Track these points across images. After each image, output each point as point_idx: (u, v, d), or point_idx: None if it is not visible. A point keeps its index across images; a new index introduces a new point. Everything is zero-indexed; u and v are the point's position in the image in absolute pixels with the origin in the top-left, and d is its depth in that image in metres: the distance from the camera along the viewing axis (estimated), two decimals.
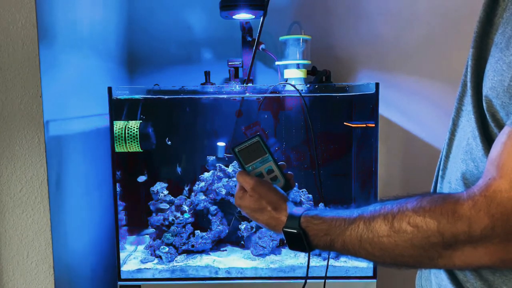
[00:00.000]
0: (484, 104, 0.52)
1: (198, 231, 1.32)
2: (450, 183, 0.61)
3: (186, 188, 1.39)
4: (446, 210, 0.49)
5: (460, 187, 0.58)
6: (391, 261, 0.55)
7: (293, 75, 1.30)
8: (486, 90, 0.52)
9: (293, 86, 1.20)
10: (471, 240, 0.48)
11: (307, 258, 1.29)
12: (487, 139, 0.53)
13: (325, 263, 1.26)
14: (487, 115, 0.52)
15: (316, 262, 1.27)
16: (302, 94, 1.23)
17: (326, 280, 1.17)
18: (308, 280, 1.21)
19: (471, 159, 0.55)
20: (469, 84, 0.55)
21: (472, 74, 0.54)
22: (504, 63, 0.49)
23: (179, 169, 1.43)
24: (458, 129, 0.61)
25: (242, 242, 1.37)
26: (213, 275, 1.24)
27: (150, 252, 1.31)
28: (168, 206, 1.32)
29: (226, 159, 1.41)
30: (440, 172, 0.65)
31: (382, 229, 0.54)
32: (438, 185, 0.66)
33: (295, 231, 0.65)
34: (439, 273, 0.61)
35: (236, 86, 1.25)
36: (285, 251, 1.35)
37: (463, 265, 0.51)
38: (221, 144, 1.41)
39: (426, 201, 0.51)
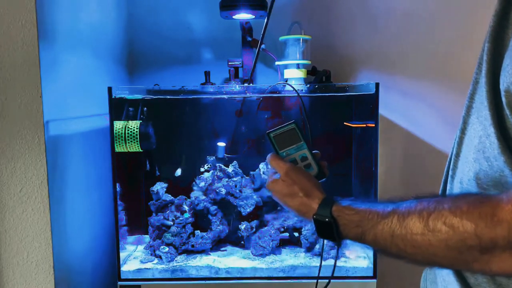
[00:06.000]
0: (504, 99, 0.50)
1: (198, 231, 1.32)
2: (462, 184, 0.59)
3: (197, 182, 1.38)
4: (485, 213, 0.47)
5: (473, 188, 0.56)
6: (424, 260, 0.53)
7: (293, 75, 1.30)
8: (506, 85, 0.49)
9: (291, 86, 1.20)
10: (510, 246, 0.46)
11: (307, 258, 1.29)
12: (504, 136, 0.51)
13: (325, 262, 1.26)
14: (507, 110, 0.50)
15: (316, 262, 1.27)
16: (303, 94, 1.23)
17: (327, 280, 1.17)
18: (307, 280, 1.22)
19: (484, 158, 0.54)
20: (484, 80, 0.53)
21: (488, 70, 0.53)
22: None
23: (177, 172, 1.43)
24: (468, 127, 0.59)
25: (242, 242, 1.37)
26: (213, 275, 1.24)
27: (150, 252, 1.31)
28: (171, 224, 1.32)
29: (226, 159, 1.41)
30: (450, 172, 0.63)
31: (416, 226, 0.52)
32: (448, 185, 0.64)
33: (326, 219, 0.64)
34: (447, 276, 0.60)
35: (236, 86, 1.25)
36: (285, 251, 1.35)
37: (499, 272, 0.49)
38: (221, 144, 1.41)
39: (464, 202, 0.50)
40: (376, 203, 0.60)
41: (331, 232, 0.63)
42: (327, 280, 1.06)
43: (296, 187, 0.71)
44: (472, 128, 0.58)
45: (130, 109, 1.32)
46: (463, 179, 0.59)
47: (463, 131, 0.60)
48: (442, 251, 0.50)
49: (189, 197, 1.37)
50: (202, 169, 1.39)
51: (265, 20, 1.24)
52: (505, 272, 0.49)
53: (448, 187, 0.64)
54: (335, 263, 0.97)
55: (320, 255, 1.28)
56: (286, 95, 1.34)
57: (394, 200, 0.58)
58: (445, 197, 0.53)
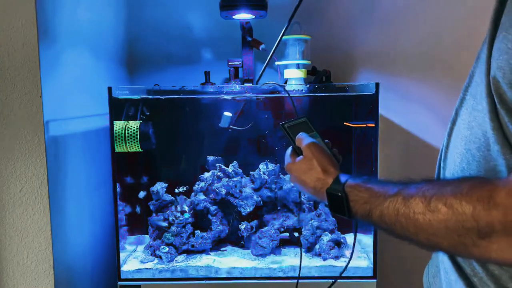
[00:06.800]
0: (492, 86, 0.51)
1: (198, 231, 1.32)
2: (453, 174, 0.60)
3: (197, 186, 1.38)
4: (482, 196, 0.47)
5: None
6: (426, 241, 0.54)
7: (293, 75, 1.30)
8: (493, 71, 0.51)
9: (282, 86, 1.21)
10: (506, 231, 0.46)
11: (307, 258, 1.29)
12: (501, 126, 0.52)
13: (325, 263, 1.26)
14: (495, 96, 0.51)
15: (317, 262, 1.27)
16: (303, 94, 1.23)
17: (328, 280, 1.17)
18: (307, 280, 1.22)
19: (476, 148, 0.55)
20: (484, 71, 0.54)
21: (487, 62, 0.53)
22: (509, 41, 0.48)
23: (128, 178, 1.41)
24: (459, 118, 0.60)
25: (242, 242, 1.37)
26: (213, 275, 1.24)
27: (150, 252, 1.31)
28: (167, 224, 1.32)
29: (230, 130, 1.41)
30: (442, 164, 0.65)
31: (419, 206, 0.53)
32: (441, 177, 0.65)
33: (339, 193, 0.66)
34: (450, 269, 0.61)
35: (236, 86, 1.25)
36: (285, 251, 1.35)
37: (499, 260, 0.49)
38: (227, 114, 1.40)
39: (466, 185, 0.50)
40: (387, 183, 0.62)
41: (342, 207, 0.66)
42: (333, 280, 1.07)
43: (315, 162, 0.75)
44: (462, 119, 0.59)
45: (131, 108, 1.32)
46: (455, 170, 0.60)
47: (454, 122, 0.61)
48: (442, 232, 0.51)
49: (188, 197, 1.37)
50: (179, 190, 1.38)
51: (285, 26, 1.27)
52: (505, 261, 0.49)
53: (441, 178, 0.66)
54: (349, 260, 0.98)
55: (320, 255, 1.29)
56: (283, 95, 1.34)
57: (405, 181, 0.60)
58: (451, 180, 0.54)
